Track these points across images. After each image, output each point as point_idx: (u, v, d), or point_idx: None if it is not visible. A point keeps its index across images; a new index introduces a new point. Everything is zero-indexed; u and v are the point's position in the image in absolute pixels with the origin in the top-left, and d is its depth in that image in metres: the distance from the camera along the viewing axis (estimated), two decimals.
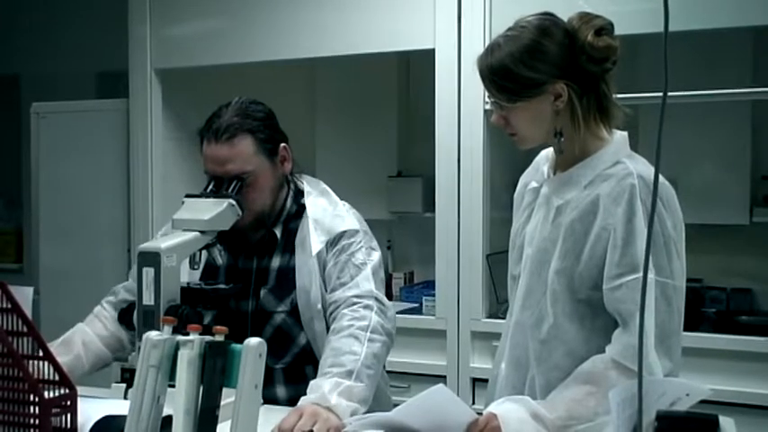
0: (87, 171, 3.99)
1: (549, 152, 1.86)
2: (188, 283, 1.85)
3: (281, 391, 1.99)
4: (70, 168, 4.01)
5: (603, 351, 1.64)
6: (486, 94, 2.93)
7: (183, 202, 1.94)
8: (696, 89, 2.94)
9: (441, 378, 3.17)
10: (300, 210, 2.06)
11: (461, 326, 3.18)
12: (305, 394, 1.73)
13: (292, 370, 1.99)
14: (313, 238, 2.00)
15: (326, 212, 2.04)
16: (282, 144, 2.04)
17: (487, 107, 3.14)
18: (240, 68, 3.78)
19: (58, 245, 4.04)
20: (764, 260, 3.46)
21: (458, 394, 3.19)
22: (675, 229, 1.64)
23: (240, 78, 4.00)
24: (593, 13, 1.69)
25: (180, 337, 1.20)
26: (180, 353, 1.18)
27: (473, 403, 3.18)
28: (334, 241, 2.00)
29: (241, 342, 1.22)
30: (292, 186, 2.10)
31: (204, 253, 1.94)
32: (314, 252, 1.98)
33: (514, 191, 3.66)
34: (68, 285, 3.90)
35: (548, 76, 1.65)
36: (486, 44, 3.03)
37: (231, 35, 3.62)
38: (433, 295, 3.30)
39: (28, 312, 1.51)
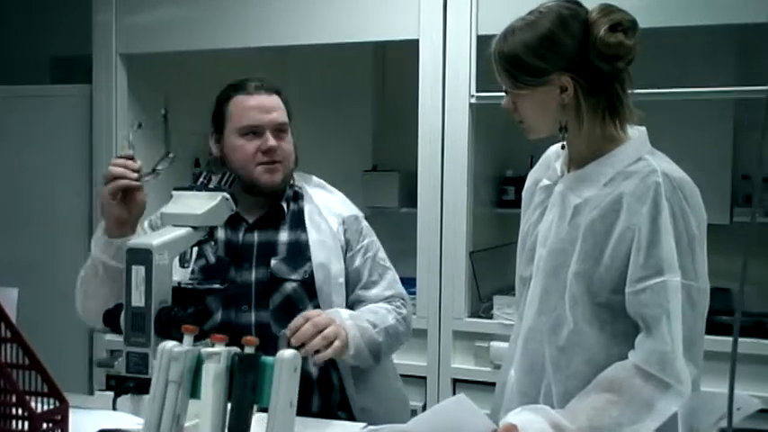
0: (46, 159, 3.80)
1: (558, 148, 1.78)
2: (179, 283, 1.72)
3: None
4: (27, 155, 3.81)
5: (624, 358, 1.56)
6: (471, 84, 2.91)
7: (171, 195, 1.81)
8: (679, 87, 2.89)
9: (421, 379, 3.08)
10: (297, 195, 2.11)
11: (443, 325, 3.09)
12: (309, 367, 1.91)
13: None
14: (330, 220, 2.06)
15: (332, 200, 2.12)
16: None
17: (473, 101, 3.06)
18: (209, 55, 3.64)
19: (14, 237, 3.84)
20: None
21: (438, 396, 3.11)
22: (699, 228, 1.58)
23: (209, 66, 3.86)
24: (615, 6, 1.61)
25: (205, 349, 1.07)
26: (205, 367, 1.06)
27: None
28: (355, 235, 2.08)
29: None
30: None
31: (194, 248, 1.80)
32: (334, 228, 2.04)
33: (496, 186, 3.65)
34: (24, 279, 3.70)
35: (554, 68, 1.59)
36: (473, 35, 3.01)
37: (202, 20, 3.47)
38: (412, 293, 3.19)
39: (12, 316, 1.37)
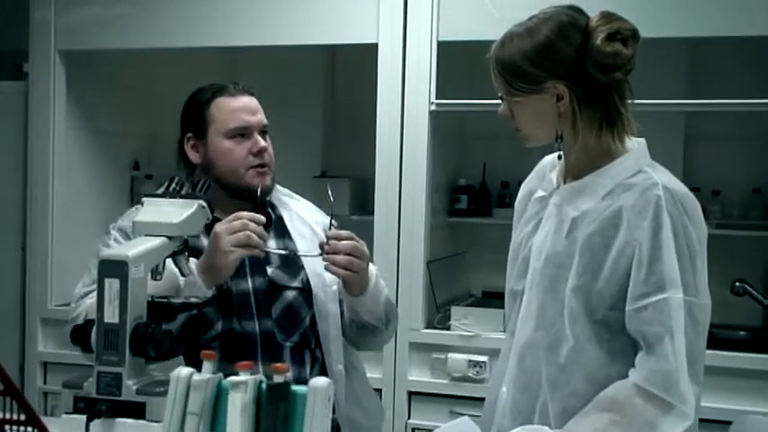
0: None
1: (554, 158, 1.73)
2: (152, 297, 1.60)
3: (290, 369, 1.86)
4: None
5: (623, 376, 1.51)
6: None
7: (142, 203, 1.70)
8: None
9: (376, 391, 2.98)
10: (270, 204, 2.04)
11: (399, 336, 3.01)
12: (307, 376, 1.85)
13: (298, 349, 1.92)
14: (313, 227, 2.00)
15: (306, 207, 2.10)
16: None
17: (433, 107, 3.00)
18: (156, 55, 3.52)
19: None
20: None
21: (393, 409, 3.04)
22: (700, 242, 1.54)
23: (155, 66, 3.74)
24: (616, 14, 1.57)
25: (229, 378, 0.97)
26: (231, 397, 0.96)
27: (409, 418, 3.03)
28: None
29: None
30: None
31: (168, 261, 1.69)
32: (320, 235, 1.94)
33: (448, 194, 3.60)
34: None
35: (550, 76, 1.54)
36: (434, 41, 2.95)
37: (147, 17, 3.33)
38: None
39: None
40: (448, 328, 3.05)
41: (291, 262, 1.95)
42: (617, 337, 1.54)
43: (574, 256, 1.56)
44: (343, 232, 1.82)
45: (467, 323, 3.01)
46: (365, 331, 1.96)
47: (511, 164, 3.69)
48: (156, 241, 1.59)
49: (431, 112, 2.99)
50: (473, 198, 3.62)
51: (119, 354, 1.49)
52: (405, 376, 3.02)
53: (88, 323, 1.55)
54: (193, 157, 1.97)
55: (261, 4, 3.17)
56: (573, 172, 1.63)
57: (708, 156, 3.51)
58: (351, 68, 3.79)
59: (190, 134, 1.98)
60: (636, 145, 1.60)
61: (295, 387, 0.98)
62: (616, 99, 1.56)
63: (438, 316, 3.14)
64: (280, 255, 1.94)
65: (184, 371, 1.00)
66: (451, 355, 2.99)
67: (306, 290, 1.94)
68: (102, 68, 3.58)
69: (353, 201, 3.61)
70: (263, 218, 1.80)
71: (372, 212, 3.24)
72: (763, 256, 3.39)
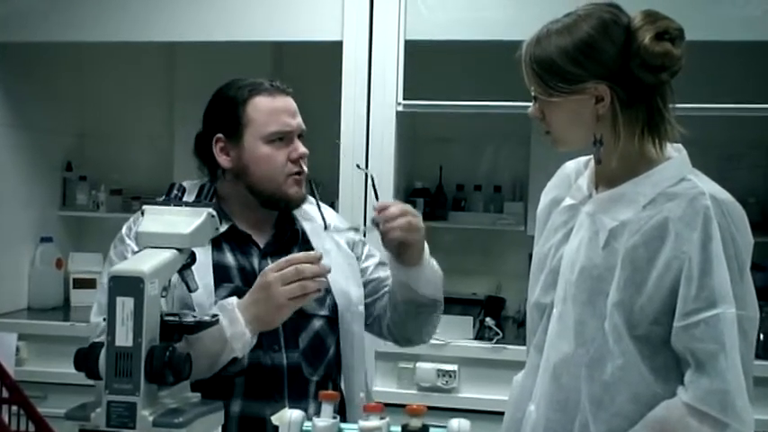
0: None
1: (579, 165, 1.66)
2: (161, 316, 1.45)
3: (312, 407, 1.72)
4: None
5: (667, 395, 1.45)
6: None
7: (142, 212, 1.54)
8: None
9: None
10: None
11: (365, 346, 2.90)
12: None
13: (323, 384, 1.79)
14: (336, 238, 1.88)
15: (331, 217, 1.93)
16: None
17: (400, 108, 2.91)
18: (90, 49, 3.35)
19: None
20: None
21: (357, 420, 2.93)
22: (747, 252, 1.48)
23: (90, 60, 3.55)
24: (661, 13, 1.50)
25: (362, 423, 0.85)
26: None
27: None
28: (359, 246, 1.95)
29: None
30: None
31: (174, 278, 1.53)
32: (344, 247, 1.89)
33: (404, 197, 3.51)
34: None
35: (591, 75, 1.47)
36: (401, 39, 2.86)
37: (84, 9, 3.12)
38: None
39: (10, 363, 1.09)
40: None
41: None
42: (659, 353, 1.47)
43: (614, 268, 1.48)
44: (389, 201, 1.72)
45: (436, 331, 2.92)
46: (425, 310, 1.85)
47: (466, 167, 3.65)
48: (167, 254, 1.44)
49: (397, 113, 2.90)
50: (429, 201, 3.55)
51: (133, 381, 1.34)
52: (371, 387, 2.91)
53: (93, 347, 1.39)
54: (223, 161, 1.80)
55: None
56: (606, 179, 1.55)
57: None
58: (300, 63, 3.66)
59: (220, 135, 1.80)
60: (676, 152, 1.54)
61: (434, 431, 0.87)
62: (659, 102, 1.49)
63: None
64: None
65: (295, 414, 0.87)
66: (420, 365, 2.90)
67: (332, 317, 1.82)
68: (34, 62, 3.37)
69: None
70: (318, 253, 1.65)
71: None
72: None
